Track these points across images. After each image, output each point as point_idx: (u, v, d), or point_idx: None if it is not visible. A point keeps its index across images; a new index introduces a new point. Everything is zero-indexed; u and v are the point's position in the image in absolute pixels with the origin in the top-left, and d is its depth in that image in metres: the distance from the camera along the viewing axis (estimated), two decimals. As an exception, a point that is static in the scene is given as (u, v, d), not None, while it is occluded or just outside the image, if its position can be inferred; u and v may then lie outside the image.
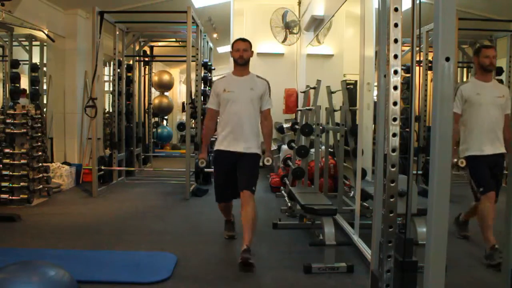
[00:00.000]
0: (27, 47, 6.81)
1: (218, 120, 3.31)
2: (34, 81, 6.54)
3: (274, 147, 6.30)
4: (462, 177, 6.11)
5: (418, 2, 1.65)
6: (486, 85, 3.16)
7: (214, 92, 3.24)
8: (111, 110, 6.54)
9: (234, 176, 3.10)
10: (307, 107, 4.33)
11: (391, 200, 1.64)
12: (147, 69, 7.95)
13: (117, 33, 6.05)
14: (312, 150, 4.23)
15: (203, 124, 3.38)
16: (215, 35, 8.78)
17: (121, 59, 6.28)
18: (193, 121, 6.09)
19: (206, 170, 5.78)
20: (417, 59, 5.47)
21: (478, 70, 3.25)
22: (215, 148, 3.25)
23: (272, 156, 3.27)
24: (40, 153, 4.82)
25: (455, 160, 3.13)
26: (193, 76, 6.23)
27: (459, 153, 3.19)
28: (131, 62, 6.97)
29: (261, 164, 3.21)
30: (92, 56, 5.17)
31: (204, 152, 3.38)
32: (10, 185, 4.56)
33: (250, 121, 3.16)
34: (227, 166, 3.17)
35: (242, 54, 3.17)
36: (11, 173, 4.56)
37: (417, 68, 5.50)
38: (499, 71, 6.02)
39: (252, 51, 3.27)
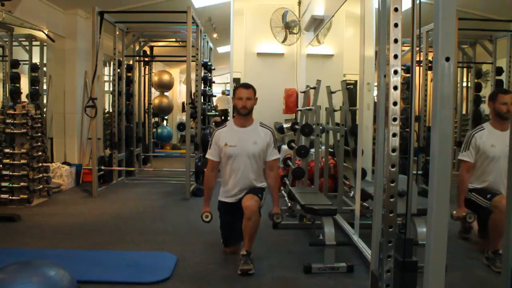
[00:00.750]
0: (27, 47, 6.81)
1: (220, 170, 3.17)
2: (34, 81, 6.54)
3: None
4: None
5: (418, 2, 1.65)
6: (501, 135, 2.97)
7: (215, 143, 3.07)
8: (111, 110, 6.54)
9: (240, 219, 2.91)
10: (307, 107, 4.33)
11: (391, 200, 1.64)
12: (147, 69, 7.95)
13: (117, 33, 6.05)
14: (312, 150, 4.23)
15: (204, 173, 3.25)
16: (215, 35, 8.78)
17: (121, 59, 6.28)
18: (193, 121, 6.09)
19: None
20: (417, 59, 5.46)
21: (493, 116, 3.07)
22: (219, 198, 3.14)
23: (280, 211, 3.09)
24: (40, 153, 4.82)
25: (464, 214, 3.01)
26: (193, 76, 6.23)
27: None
28: (131, 62, 6.97)
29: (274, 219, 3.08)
30: (92, 56, 5.17)
31: (206, 205, 3.14)
32: (10, 185, 4.57)
33: (254, 178, 3.03)
34: (232, 214, 3.05)
35: (245, 103, 2.96)
36: (11, 173, 4.57)
37: (417, 68, 5.50)
38: (499, 71, 6.03)
39: (256, 98, 3.06)
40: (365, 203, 3.70)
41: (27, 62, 6.74)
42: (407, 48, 5.23)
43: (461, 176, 3.10)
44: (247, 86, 3.04)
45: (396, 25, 1.64)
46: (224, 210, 3.13)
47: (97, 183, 5.22)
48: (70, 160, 6.02)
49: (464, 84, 7.14)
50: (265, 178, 3.16)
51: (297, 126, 4.35)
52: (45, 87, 6.95)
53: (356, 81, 5.18)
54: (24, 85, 6.78)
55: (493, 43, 6.12)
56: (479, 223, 3.18)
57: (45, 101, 6.90)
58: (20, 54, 6.83)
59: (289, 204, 4.24)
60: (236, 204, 2.99)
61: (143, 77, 7.69)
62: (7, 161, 4.57)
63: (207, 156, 3.14)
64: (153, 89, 8.76)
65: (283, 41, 6.98)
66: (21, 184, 4.57)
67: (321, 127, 4.11)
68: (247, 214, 2.81)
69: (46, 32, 5.57)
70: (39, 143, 4.84)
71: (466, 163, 3.07)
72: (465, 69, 6.98)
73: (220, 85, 14.96)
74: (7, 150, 4.59)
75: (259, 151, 3.02)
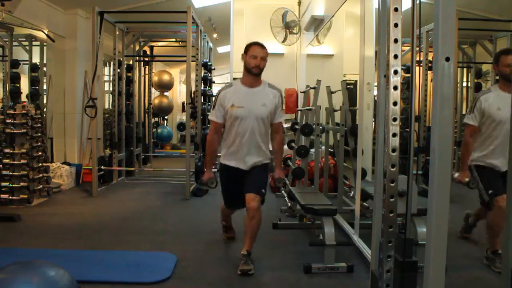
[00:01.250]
0: (27, 47, 6.82)
1: (223, 134, 2.99)
2: (34, 81, 6.55)
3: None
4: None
5: (418, 2, 1.65)
6: (509, 97, 2.77)
7: (219, 104, 2.86)
8: (111, 108, 6.54)
9: (242, 186, 2.87)
10: (307, 107, 4.33)
11: (391, 200, 1.64)
12: (147, 69, 7.96)
13: (117, 33, 6.06)
14: (312, 150, 4.23)
15: (207, 137, 2.94)
16: (215, 35, 8.78)
17: (121, 59, 6.28)
18: (193, 121, 6.09)
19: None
20: (417, 59, 5.46)
21: (500, 79, 2.95)
22: (222, 161, 2.98)
23: (283, 174, 3.03)
24: (40, 153, 4.82)
25: (467, 179, 2.94)
26: (193, 76, 6.22)
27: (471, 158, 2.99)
28: (131, 62, 6.97)
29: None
30: (92, 56, 5.17)
31: (209, 171, 2.99)
32: (10, 185, 4.56)
33: (261, 140, 2.88)
34: (235, 180, 2.93)
35: (259, 63, 2.80)
36: (11, 173, 4.57)
37: (417, 68, 5.50)
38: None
39: (266, 60, 2.89)
40: (365, 203, 3.70)
41: (27, 62, 6.75)
42: (407, 48, 5.23)
43: (464, 140, 3.00)
44: (262, 45, 2.85)
45: (396, 25, 1.64)
46: (227, 174, 2.97)
47: (97, 183, 5.22)
48: (70, 160, 6.02)
49: (464, 84, 7.14)
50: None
51: (297, 126, 4.35)
52: (45, 87, 6.96)
53: (356, 81, 5.18)
54: (24, 85, 6.78)
55: (493, 43, 6.11)
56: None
57: (45, 101, 6.90)
58: (20, 54, 6.83)
59: (289, 204, 4.25)
60: (240, 171, 2.89)
61: (143, 77, 7.70)
62: (7, 161, 4.57)
63: (210, 117, 2.97)
64: (153, 89, 8.76)
65: (283, 41, 6.98)
66: (21, 184, 4.57)
67: (321, 127, 4.11)
68: (250, 214, 2.78)
69: (46, 32, 5.57)
70: (39, 143, 4.84)
71: (469, 127, 2.95)
72: (465, 69, 6.98)
73: (220, 85, 14.96)
74: (7, 150, 4.59)
75: (268, 113, 2.85)
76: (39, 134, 4.85)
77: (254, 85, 2.87)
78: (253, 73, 2.82)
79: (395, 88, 1.64)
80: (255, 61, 2.79)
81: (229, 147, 2.91)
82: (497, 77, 3.01)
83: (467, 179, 2.95)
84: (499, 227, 2.77)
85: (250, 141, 2.85)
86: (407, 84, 4.91)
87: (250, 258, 2.81)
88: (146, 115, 7.89)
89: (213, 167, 3.08)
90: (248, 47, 2.86)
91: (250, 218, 2.79)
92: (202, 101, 6.15)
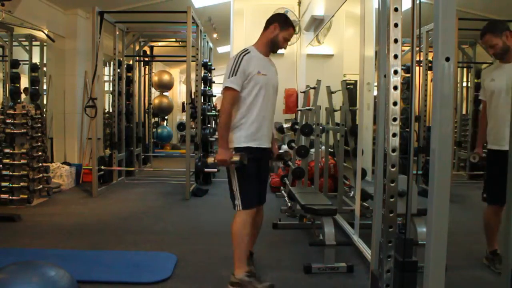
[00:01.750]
0: (27, 47, 6.82)
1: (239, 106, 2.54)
2: (34, 81, 6.54)
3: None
4: (462, 177, 6.14)
5: (418, 2, 1.65)
6: (504, 67, 2.76)
7: (242, 69, 2.44)
8: (111, 110, 6.55)
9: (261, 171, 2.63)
10: (307, 107, 4.33)
11: (391, 200, 1.64)
12: (147, 69, 7.96)
13: (117, 33, 6.06)
14: (312, 150, 4.23)
15: (221, 111, 2.53)
16: (215, 35, 8.78)
17: (121, 59, 6.29)
18: (193, 121, 6.09)
19: (206, 170, 5.79)
20: (417, 59, 5.47)
21: None
22: (242, 144, 2.48)
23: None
24: (40, 153, 4.82)
25: (473, 154, 2.91)
26: (193, 76, 6.23)
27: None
28: (131, 62, 6.97)
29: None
30: (92, 56, 5.17)
31: (228, 148, 2.48)
32: (10, 185, 4.56)
33: (274, 112, 2.68)
34: (258, 163, 2.56)
35: (286, 47, 2.71)
36: (11, 173, 4.57)
37: (417, 68, 5.50)
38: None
39: None
40: (365, 203, 3.70)
41: (27, 62, 6.74)
42: (407, 48, 5.23)
43: (480, 115, 3.01)
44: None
45: (396, 25, 1.65)
46: (252, 159, 2.46)
47: (97, 183, 5.22)
48: (70, 160, 6.02)
49: (464, 84, 7.14)
50: None
51: (297, 126, 4.35)
52: (45, 87, 6.96)
53: (356, 81, 5.19)
54: (24, 85, 6.78)
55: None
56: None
57: (45, 101, 6.90)
58: (20, 54, 6.83)
59: (289, 204, 4.25)
60: (263, 150, 2.56)
61: (143, 77, 7.70)
62: (7, 161, 4.57)
63: (229, 85, 2.45)
64: (153, 89, 8.76)
65: (283, 41, 6.98)
66: (21, 184, 4.57)
67: (321, 127, 4.11)
68: (257, 210, 2.66)
69: (46, 32, 5.57)
70: (39, 143, 4.84)
71: (481, 101, 2.97)
72: (465, 69, 6.99)
73: (220, 85, 14.96)
74: (7, 150, 4.59)
75: (277, 84, 2.69)
76: (39, 134, 4.85)
77: (267, 55, 2.66)
78: (274, 51, 2.66)
79: (395, 88, 1.64)
80: (285, 44, 2.65)
81: (251, 123, 2.50)
82: None
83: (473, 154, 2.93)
84: (492, 224, 2.80)
85: (271, 114, 2.61)
86: (407, 84, 4.91)
87: (252, 258, 2.80)
88: (146, 115, 7.89)
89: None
90: (288, 25, 2.64)
91: (260, 214, 2.73)
92: (202, 101, 6.15)
